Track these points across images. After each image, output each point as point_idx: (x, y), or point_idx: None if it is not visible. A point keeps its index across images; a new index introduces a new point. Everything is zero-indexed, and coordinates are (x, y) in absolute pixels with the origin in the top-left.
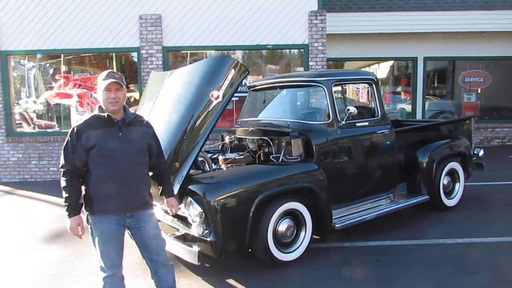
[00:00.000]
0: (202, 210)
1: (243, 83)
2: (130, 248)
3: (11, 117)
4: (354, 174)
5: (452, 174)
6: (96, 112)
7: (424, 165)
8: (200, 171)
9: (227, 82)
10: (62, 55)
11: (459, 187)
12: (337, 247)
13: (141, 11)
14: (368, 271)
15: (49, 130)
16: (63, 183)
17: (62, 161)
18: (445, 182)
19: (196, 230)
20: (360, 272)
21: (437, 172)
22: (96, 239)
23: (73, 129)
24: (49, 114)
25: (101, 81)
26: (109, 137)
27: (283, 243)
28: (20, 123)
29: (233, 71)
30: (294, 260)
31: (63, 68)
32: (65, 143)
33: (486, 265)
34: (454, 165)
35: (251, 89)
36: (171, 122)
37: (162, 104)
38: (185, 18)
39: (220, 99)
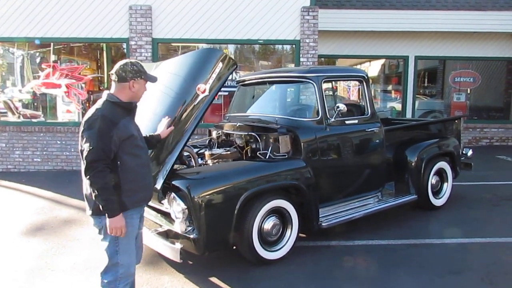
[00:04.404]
0: (185, 207)
1: (232, 78)
2: None
3: None
4: (342, 173)
5: (441, 173)
6: (113, 99)
7: (412, 164)
8: (185, 166)
9: (214, 75)
10: (52, 44)
11: (447, 187)
12: (323, 245)
13: (131, 1)
14: (354, 270)
15: (34, 120)
16: (102, 179)
17: (95, 155)
18: (433, 181)
19: (179, 226)
20: (346, 271)
21: (426, 172)
22: (120, 238)
23: (103, 117)
24: (35, 104)
25: (144, 75)
26: (135, 126)
27: (269, 241)
28: (5, 112)
29: (220, 65)
30: (279, 258)
31: (51, 57)
32: (96, 134)
33: (473, 266)
34: (443, 164)
35: (240, 83)
36: (156, 114)
37: (148, 96)
38: (176, 10)
39: (206, 93)
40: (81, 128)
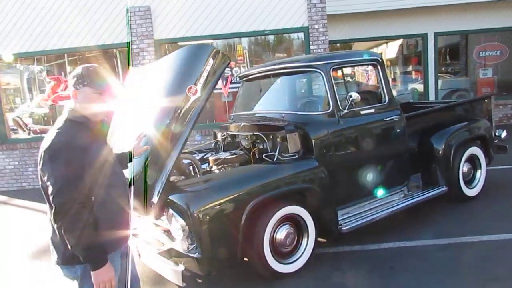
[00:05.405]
0: (185, 223)
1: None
2: None
3: (5, 124)
4: (360, 169)
5: (472, 160)
6: (76, 118)
7: (440, 152)
8: (184, 176)
9: (205, 74)
10: (65, 55)
11: (480, 175)
12: (345, 251)
13: (129, 3)
14: (379, 281)
15: (43, 135)
16: (79, 224)
17: (67, 195)
18: (465, 169)
19: (180, 245)
20: (371, 282)
21: (455, 160)
22: None
23: (69, 143)
24: (45, 119)
25: (89, 82)
26: (108, 148)
27: (282, 252)
28: (16, 130)
29: (211, 61)
30: (295, 271)
31: (55, 69)
32: (64, 167)
33: None
34: (474, 150)
35: (243, 79)
36: (148, 121)
37: (139, 103)
38: (176, 8)
39: (198, 94)
40: (41, 161)
